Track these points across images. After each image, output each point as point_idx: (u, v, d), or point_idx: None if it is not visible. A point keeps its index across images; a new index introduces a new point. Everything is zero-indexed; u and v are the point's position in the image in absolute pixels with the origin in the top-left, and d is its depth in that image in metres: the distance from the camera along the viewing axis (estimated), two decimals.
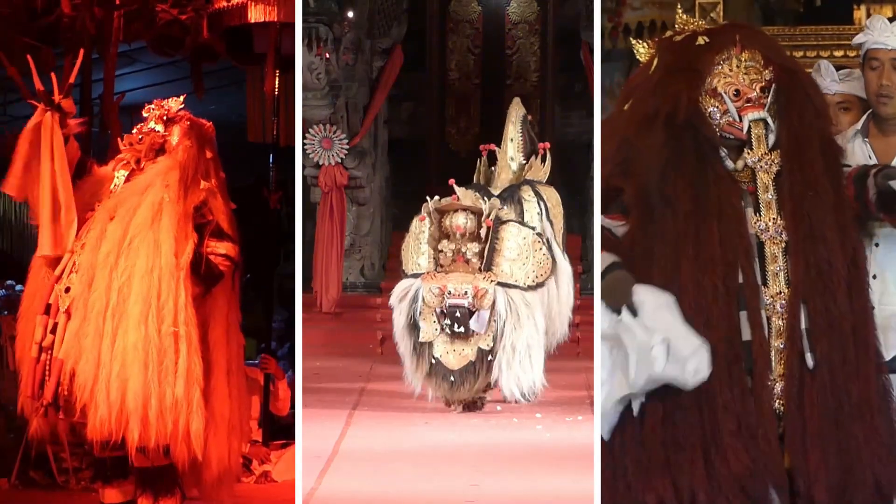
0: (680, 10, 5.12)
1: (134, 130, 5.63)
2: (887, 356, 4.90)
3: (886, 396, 4.76)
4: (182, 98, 5.69)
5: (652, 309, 4.55)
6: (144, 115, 5.65)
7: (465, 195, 7.56)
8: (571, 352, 8.40)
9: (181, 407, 5.13)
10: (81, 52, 5.99)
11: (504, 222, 7.47)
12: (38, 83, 5.45)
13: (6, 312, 7.94)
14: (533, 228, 7.57)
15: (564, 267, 7.74)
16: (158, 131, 5.55)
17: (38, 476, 7.11)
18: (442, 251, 7.42)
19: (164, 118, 5.59)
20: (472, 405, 7.57)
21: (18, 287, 8.41)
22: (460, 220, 7.39)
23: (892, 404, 4.76)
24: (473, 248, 7.38)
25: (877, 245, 5.01)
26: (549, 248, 7.62)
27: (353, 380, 8.59)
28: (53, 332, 5.27)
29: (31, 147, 5.40)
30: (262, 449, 7.47)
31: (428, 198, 7.48)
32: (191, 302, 5.24)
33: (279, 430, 7.75)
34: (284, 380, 7.84)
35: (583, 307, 8.21)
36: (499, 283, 7.32)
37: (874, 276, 4.93)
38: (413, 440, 6.90)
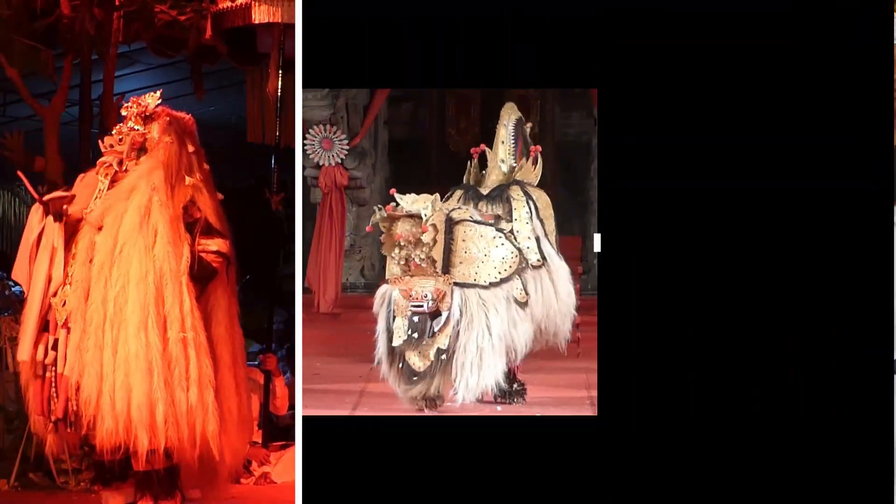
0: None
1: (114, 131, 5.58)
2: None
3: None
4: (159, 93, 5.63)
5: None
6: (123, 113, 5.60)
7: (423, 202, 7.51)
8: (571, 352, 8.38)
9: (196, 412, 5.11)
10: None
11: (457, 222, 7.47)
12: (33, 193, 5.47)
13: (6, 313, 7.92)
14: (492, 225, 7.56)
15: (560, 264, 7.72)
16: (138, 130, 5.51)
17: (37, 477, 7.10)
18: (394, 258, 7.43)
19: (143, 115, 5.54)
20: (431, 402, 7.49)
21: (17, 288, 8.40)
22: (399, 228, 7.39)
23: None
24: (420, 253, 7.38)
25: None
26: (539, 244, 7.61)
27: (353, 380, 8.57)
28: (55, 348, 5.26)
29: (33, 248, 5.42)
30: (262, 450, 7.46)
31: (376, 208, 7.45)
32: (196, 306, 5.23)
33: (278, 432, 7.74)
34: (282, 377, 7.82)
35: (583, 307, 8.19)
36: (456, 284, 7.33)
37: None
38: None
